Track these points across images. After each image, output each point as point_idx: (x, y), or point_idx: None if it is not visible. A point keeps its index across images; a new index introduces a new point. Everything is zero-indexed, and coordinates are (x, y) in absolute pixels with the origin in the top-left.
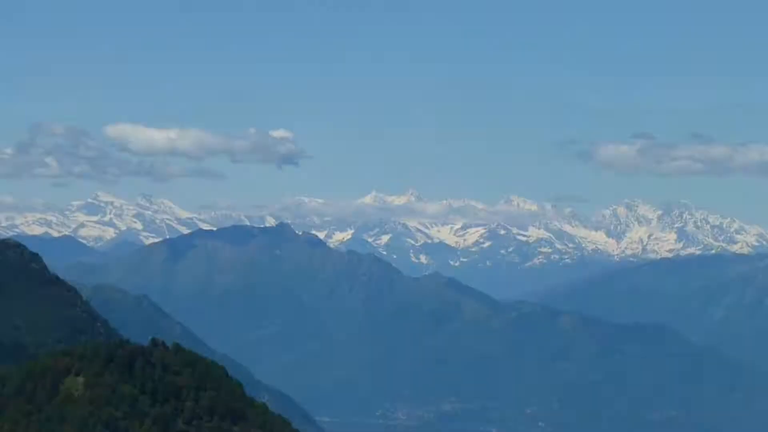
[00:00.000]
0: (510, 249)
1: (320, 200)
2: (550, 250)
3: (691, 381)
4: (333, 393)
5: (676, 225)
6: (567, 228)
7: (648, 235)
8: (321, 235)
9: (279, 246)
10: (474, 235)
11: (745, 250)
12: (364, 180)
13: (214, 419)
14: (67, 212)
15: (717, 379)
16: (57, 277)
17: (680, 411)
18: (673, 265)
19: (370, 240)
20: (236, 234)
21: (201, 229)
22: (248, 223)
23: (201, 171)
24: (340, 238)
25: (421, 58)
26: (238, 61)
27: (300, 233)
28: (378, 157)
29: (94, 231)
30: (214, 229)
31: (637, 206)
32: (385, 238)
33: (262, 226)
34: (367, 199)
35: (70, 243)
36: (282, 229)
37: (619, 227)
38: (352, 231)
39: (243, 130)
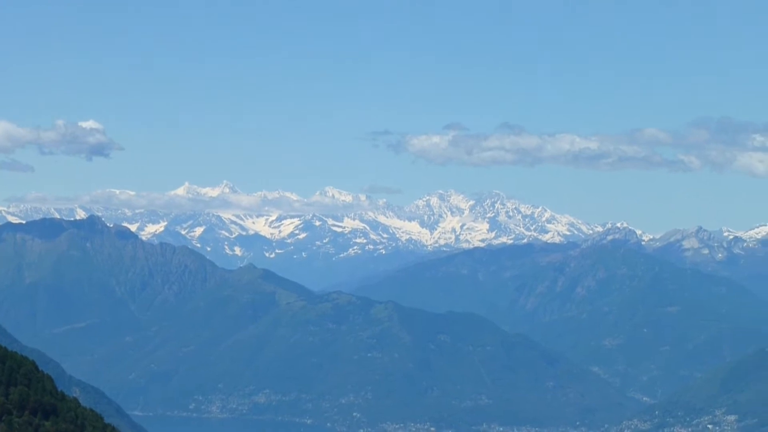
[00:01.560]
0: (325, 240)
1: (132, 192)
2: (365, 241)
3: (503, 370)
4: (146, 386)
5: (488, 215)
6: (381, 218)
7: (461, 225)
8: (133, 228)
9: (90, 239)
10: (289, 226)
11: (557, 239)
12: (176, 172)
13: (24, 414)
14: None
15: (529, 368)
16: None
17: (493, 399)
18: (486, 254)
19: (183, 232)
20: (45, 227)
21: (9, 223)
22: (58, 216)
23: (8, 164)
24: (152, 230)
25: (233, 50)
26: (45, 52)
27: (111, 226)
28: (191, 149)
29: None
30: (23, 222)
31: (450, 196)
32: (198, 230)
33: (72, 218)
34: (180, 191)
35: None
36: (92, 221)
37: (432, 217)
38: (165, 223)
39: (51, 122)
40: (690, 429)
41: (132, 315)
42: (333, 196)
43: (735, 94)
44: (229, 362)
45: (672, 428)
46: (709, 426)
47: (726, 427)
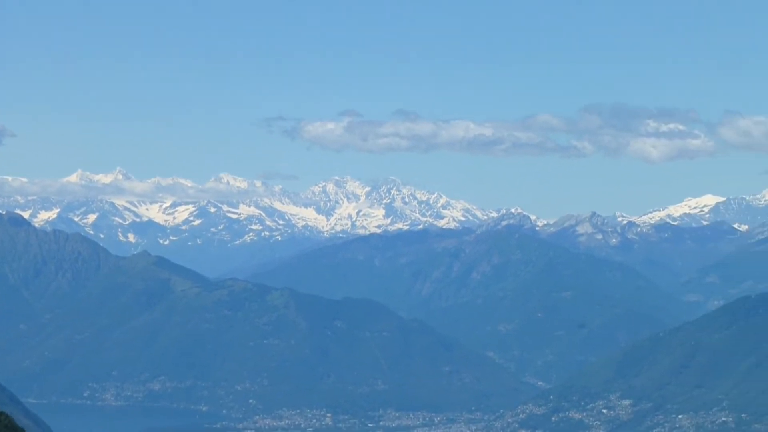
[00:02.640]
0: (220, 227)
1: (24, 179)
2: (260, 227)
3: (400, 356)
4: (40, 374)
5: (384, 201)
6: (277, 205)
7: (357, 211)
8: (26, 215)
9: None
10: (184, 213)
11: (452, 225)
12: (69, 159)
13: None
14: None
15: (425, 354)
16: None
17: (390, 385)
18: (382, 240)
19: (76, 219)
20: None
21: None
22: None
23: None
24: (45, 217)
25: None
26: None
27: (3, 213)
28: (83, 136)
29: None
30: None
31: (346, 183)
32: (92, 217)
33: None
34: (73, 178)
35: None
36: None
37: (328, 204)
38: (58, 210)
39: None
40: (585, 413)
41: (25, 302)
42: (228, 182)
43: (628, 81)
44: (124, 349)
45: (567, 413)
46: (604, 410)
47: (620, 412)
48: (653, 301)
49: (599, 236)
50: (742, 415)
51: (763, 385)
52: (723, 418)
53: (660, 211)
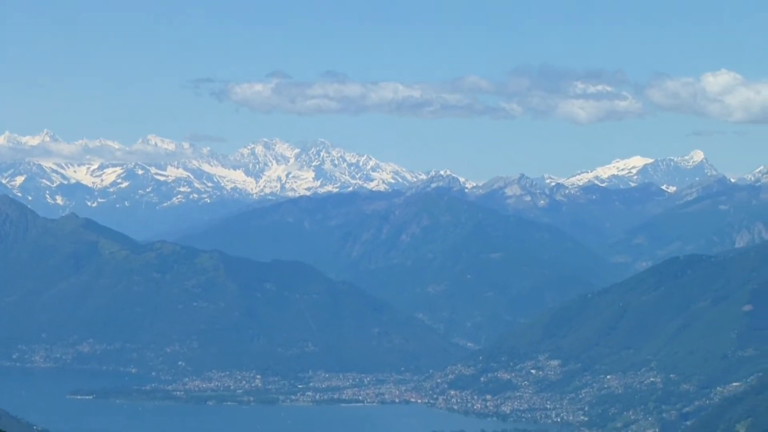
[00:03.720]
0: (148, 189)
1: None
2: (189, 190)
3: (329, 318)
4: None
5: (313, 163)
6: (206, 167)
7: (286, 174)
8: None
9: None
10: (111, 175)
11: (382, 188)
12: None
13: None
14: None
15: (355, 315)
16: None
17: (319, 347)
18: (312, 202)
19: (4, 181)
20: None
21: None
22: None
23: None
24: None
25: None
26: None
27: None
28: (10, 98)
29: None
30: None
31: (275, 145)
32: (19, 180)
33: None
34: (0, 140)
35: None
36: None
37: (257, 166)
38: None
39: None
40: (513, 374)
41: None
42: (155, 144)
43: (555, 42)
44: (52, 312)
45: (496, 373)
46: (533, 371)
47: (549, 372)
48: (581, 263)
49: (528, 198)
50: (671, 376)
51: (690, 346)
52: (651, 379)
53: (588, 172)
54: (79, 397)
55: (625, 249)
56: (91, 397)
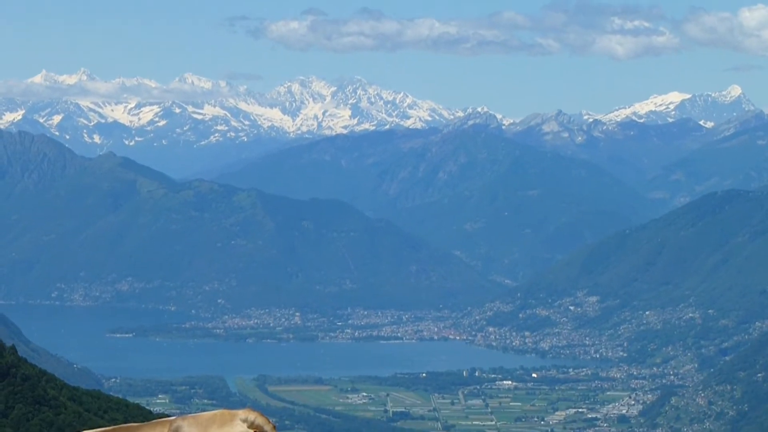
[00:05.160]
0: (186, 127)
1: None
2: (226, 128)
3: (367, 255)
4: (8, 276)
5: (350, 101)
6: (242, 105)
7: (323, 112)
8: None
9: None
10: (149, 113)
11: (418, 125)
12: (33, 59)
13: None
14: None
15: (392, 253)
16: None
17: (357, 284)
18: (348, 141)
19: (41, 121)
20: None
21: None
22: None
23: None
24: (10, 118)
25: None
26: None
27: None
28: (47, 36)
29: None
30: None
31: (311, 83)
32: (57, 118)
33: None
34: (37, 79)
35: None
36: None
37: (294, 104)
38: (23, 111)
39: None
40: (552, 310)
41: None
42: (192, 82)
43: None
44: (91, 251)
45: (534, 310)
46: (571, 307)
47: (588, 308)
48: (619, 199)
49: (565, 134)
50: (709, 311)
51: (729, 282)
52: (690, 314)
53: (626, 108)
54: (118, 335)
55: (662, 185)
56: (130, 335)
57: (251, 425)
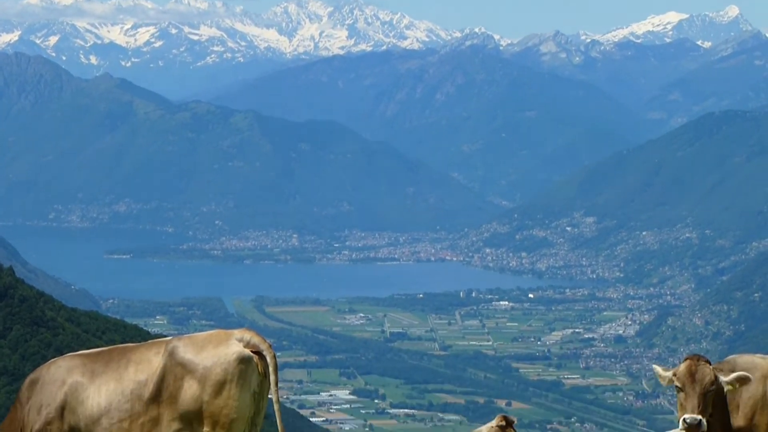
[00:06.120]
0: (182, 48)
1: None
2: (222, 49)
3: (364, 177)
4: (5, 197)
5: (347, 21)
6: (239, 26)
7: (319, 32)
8: None
9: None
10: (145, 34)
11: (416, 46)
12: None
13: None
14: None
15: (390, 175)
16: None
17: (354, 206)
18: (345, 62)
19: (38, 42)
20: None
21: None
22: None
23: None
24: (6, 39)
25: None
26: None
27: None
28: None
29: None
30: None
31: (307, 3)
32: (53, 40)
33: None
34: (34, 0)
35: None
36: None
37: (290, 24)
38: (19, 32)
39: None
40: (548, 231)
41: None
42: (188, 3)
43: None
44: (88, 172)
45: (531, 231)
46: (568, 228)
47: (585, 229)
48: (616, 119)
49: (563, 55)
50: (706, 231)
51: (726, 202)
52: (687, 235)
53: (623, 29)
54: (115, 256)
55: (660, 105)
56: (127, 256)
57: (247, 345)
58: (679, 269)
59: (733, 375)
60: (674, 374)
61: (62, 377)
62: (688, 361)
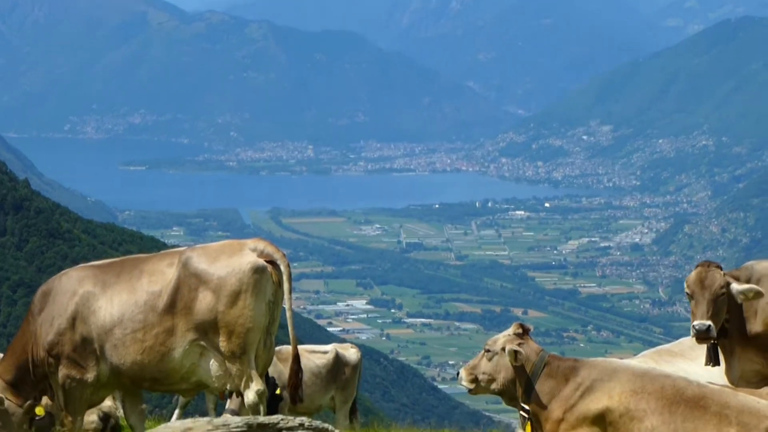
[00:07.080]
0: None
1: None
2: None
3: (379, 87)
4: (20, 109)
5: None
6: None
7: None
8: None
9: None
10: None
11: None
12: None
13: None
14: None
15: (405, 85)
16: None
17: (369, 116)
18: None
19: None
20: None
21: None
22: None
23: None
24: None
25: None
26: None
27: None
28: None
29: None
30: None
31: None
32: None
33: None
34: None
35: None
36: None
37: None
38: None
39: None
40: (565, 140)
41: (3, 37)
42: None
43: None
44: (103, 83)
45: (547, 140)
46: (584, 137)
47: (601, 138)
48: (633, 27)
49: None
50: (723, 138)
51: (742, 109)
52: (703, 142)
53: None
54: (131, 167)
55: (676, 12)
56: (143, 168)
57: (261, 254)
58: (696, 177)
59: (747, 285)
60: (686, 282)
61: (73, 288)
62: (698, 268)
